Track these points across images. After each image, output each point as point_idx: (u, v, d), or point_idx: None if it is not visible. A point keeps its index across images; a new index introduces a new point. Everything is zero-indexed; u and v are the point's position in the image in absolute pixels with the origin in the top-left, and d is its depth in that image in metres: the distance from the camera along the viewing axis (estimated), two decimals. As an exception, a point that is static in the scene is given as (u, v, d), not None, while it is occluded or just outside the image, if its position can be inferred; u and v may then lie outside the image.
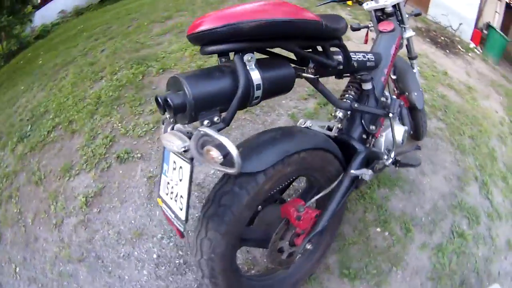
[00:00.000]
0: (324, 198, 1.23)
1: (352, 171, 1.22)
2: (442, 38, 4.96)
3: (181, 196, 0.89)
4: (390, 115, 1.34)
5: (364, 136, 1.42)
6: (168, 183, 0.97)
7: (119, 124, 2.35)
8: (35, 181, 2.20)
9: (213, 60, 2.97)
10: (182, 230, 0.89)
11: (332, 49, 1.16)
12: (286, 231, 1.17)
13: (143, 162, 2.05)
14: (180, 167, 0.89)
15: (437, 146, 2.53)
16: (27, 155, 2.46)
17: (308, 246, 1.16)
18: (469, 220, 2.04)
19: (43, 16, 8.78)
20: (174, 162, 0.93)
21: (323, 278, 1.56)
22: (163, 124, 0.99)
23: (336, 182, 1.22)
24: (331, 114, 2.54)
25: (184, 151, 0.81)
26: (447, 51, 4.80)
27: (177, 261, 1.60)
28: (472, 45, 5.78)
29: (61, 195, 2.02)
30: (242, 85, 0.83)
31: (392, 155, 1.47)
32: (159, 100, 0.81)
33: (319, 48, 1.12)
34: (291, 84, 1.01)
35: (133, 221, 1.77)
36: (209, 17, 0.82)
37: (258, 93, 0.89)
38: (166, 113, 0.85)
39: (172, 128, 0.92)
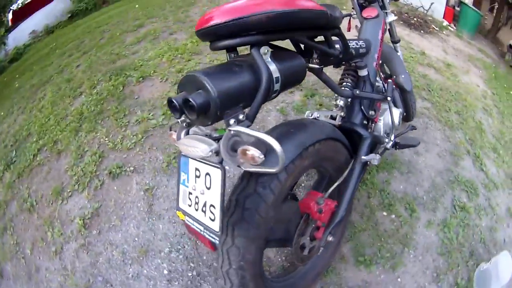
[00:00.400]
0: (336, 188, 1.25)
1: (363, 157, 1.26)
2: (415, 19, 5.13)
3: (212, 206, 0.83)
4: (389, 98, 1.40)
5: (365, 122, 1.46)
6: (190, 193, 0.90)
7: (106, 139, 2.31)
8: (27, 208, 2.15)
9: (192, 64, 2.97)
10: (217, 242, 0.84)
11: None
12: (307, 226, 1.18)
13: (137, 175, 2.00)
14: (207, 174, 0.83)
15: (426, 125, 2.63)
16: (15, 182, 2.41)
17: (330, 238, 1.17)
18: (468, 193, 2.15)
19: (15, 39, 8.77)
20: (197, 169, 0.87)
21: (340, 268, 1.60)
22: (170, 130, 0.96)
23: (348, 170, 1.25)
24: (320, 105, 2.62)
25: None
26: (422, 31, 4.98)
27: (190, 274, 1.58)
28: (445, 23, 6.02)
29: (56, 220, 1.97)
30: (264, 79, 0.82)
31: (392, 138, 1.53)
32: (175, 102, 0.76)
33: (314, 39, 1.13)
34: (304, 75, 1.01)
35: (136, 238, 1.74)
36: (219, 11, 0.81)
37: (277, 86, 0.88)
38: (182, 116, 0.81)
39: (187, 132, 0.88)
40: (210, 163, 0.82)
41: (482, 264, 1.78)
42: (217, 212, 0.81)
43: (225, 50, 0.93)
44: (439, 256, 1.76)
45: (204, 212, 0.86)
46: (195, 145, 0.78)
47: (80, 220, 1.88)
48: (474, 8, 6.42)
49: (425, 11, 5.82)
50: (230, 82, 0.80)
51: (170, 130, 0.97)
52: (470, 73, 4.07)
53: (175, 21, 4.15)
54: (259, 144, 0.74)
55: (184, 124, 0.87)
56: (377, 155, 1.27)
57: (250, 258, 0.95)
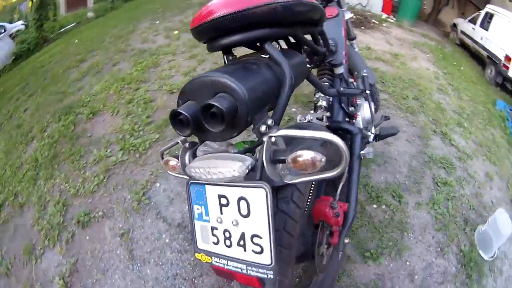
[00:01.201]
0: (334, 188, 1.24)
1: (361, 152, 1.27)
2: (355, 16, 5.53)
3: (256, 236, 0.71)
4: (367, 92, 1.48)
5: (347, 119, 1.50)
6: (215, 228, 0.77)
7: (66, 184, 2.23)
8: (4, 272, 1.99)
9: (141, 92, 2.97)
10: (271, 276, 0.72)
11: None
12: (323, 234, 1.16)
13: (108, 220, 1.92)
14: (241, 199, 0.70)
15: (389, 114, 2.83)
16: (-15, 244, 2.21)
17: (346, 241, 1.15)
18: (445, 169, 2.33)
19: (-37, 88, 8.54)
20: (223, 196, 0.73)
21: (350, 269, 1.64)
22: (162, 158, 0.85)
23: (347, 168, 1.30)
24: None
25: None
26: (363, 27, 5.39)
27: (197, 314, 1.50)
28: (384, 15, 6.56)
29: (36, 283, 1.83)
30: (288, 75, 0.75)
31: (373, 130, 1.59)
32: (186, 114, 0.65)
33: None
34: (306, 74, 0.99)
35: (125, 291, 1.62)
36: (221, 2, 0.74)
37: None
38: (188, 134, 0.69)
39: (194, 154, 0.79)
40: (246, 184, 0.69)
41: (480, 227, 1.96)
42: (266, 242, 0.70)
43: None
44: (436, 232, 1.89)
45: (243, 246, 0.73)
46: (222, 165, 0.68)
47: (60, 279, 1.76)
48: (415, -5, 6.89)
49: (364, 7, 6.36)
50: (254, 81, 0.72)
51: (163, 158, 0.86)
52: (418, 59, 4.44)
53: (117, 51, 4.20)
54: (306, 147, 0.67)
55: (187, 145, 0.79)
56: (370, 148, 1.31)
57: (287, 283, 0.89)
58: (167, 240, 1.77)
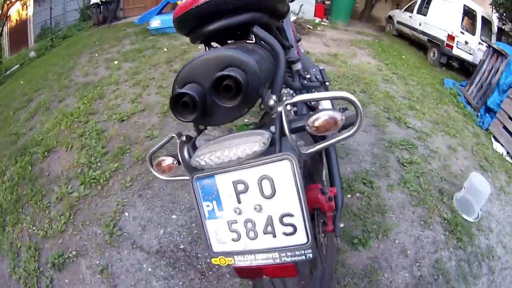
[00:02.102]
0: (312, 179, 1.25)
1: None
2: (289, 24, 5.87)
3: (286, 215, 0.68)
4: (327, 83, 1.57)
5: (311, 112, 1.61)
6: (234, 222, 0.72)
7: (34, 227, 2.16)
8: None
9: (92, 124, 2.97)
10: (310, 256, 0.69)
11: None
12: (318, 223, 1.14)
13: (83, 258, 1.85)
14: (263, 178, 0.67)
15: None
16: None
17: (342, 225, 1.19)
18: (407, 150, 2.49)
19: None
20: (239, 182, 0.69)
21: (343, 260, 1.66)
22: (151, 163, 0.81)
23: (324, 154, 1.31)
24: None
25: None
26: (298, 34, 5.73)
27: None
28: (317, 20, 6.95)
29: None
30: (281, 53, 0.78)
31: None
32: (192, 93, 0.64)
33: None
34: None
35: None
36: None
37: None
38: (192, 118, 0.67)
39: (194, 145, 0.77)
40: (267, 160, 0.65)
41: (457, 194, 2.10)
42: (299, 218, 0.67)
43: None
44: (415, 207, 2.00)
45: (272, 232, 0.69)
46: (238, 143, 0.65)
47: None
48: (346, -4, 7.24)
49: (296, 15, 6.68)
50: (257, 56, 0.72)
51: (151, 162, 0.82)
52: (358, 55, 4.76)
53: (61, 87, 4.26)
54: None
55: (184, 138, 0.77)
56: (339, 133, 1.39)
57: (307, 272, 0.89)
58: (149, 269, 1.72)
